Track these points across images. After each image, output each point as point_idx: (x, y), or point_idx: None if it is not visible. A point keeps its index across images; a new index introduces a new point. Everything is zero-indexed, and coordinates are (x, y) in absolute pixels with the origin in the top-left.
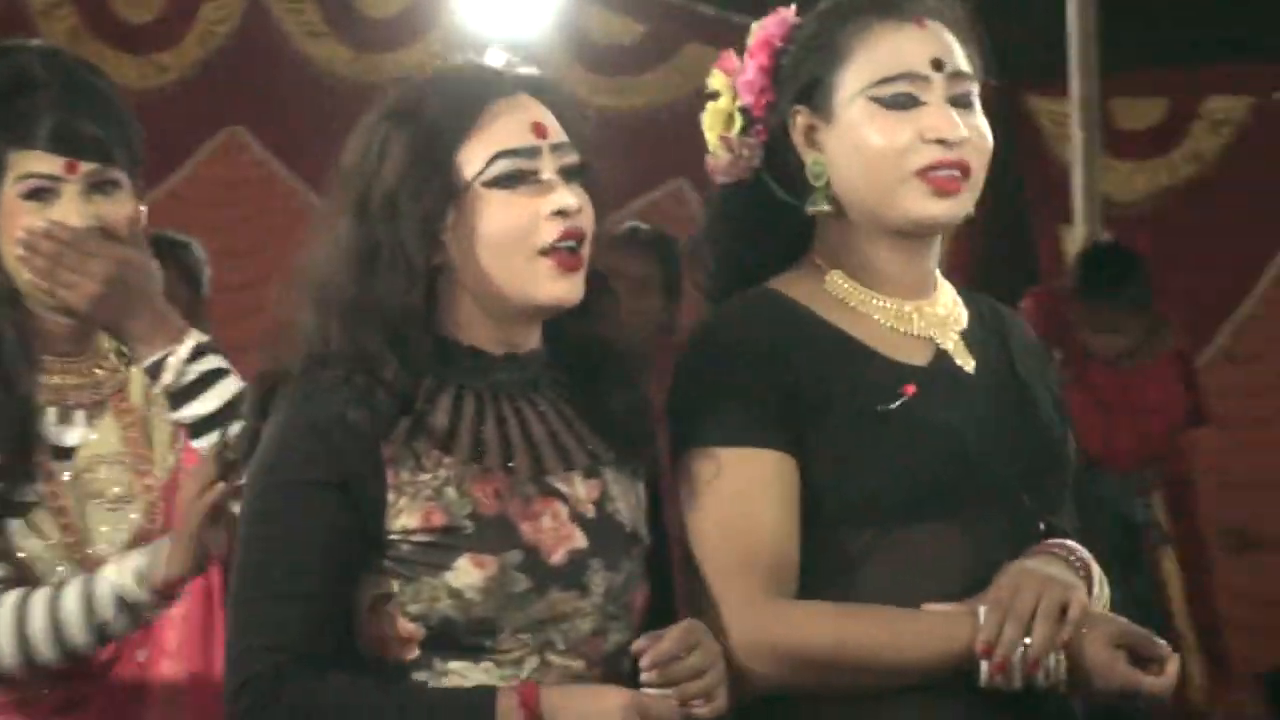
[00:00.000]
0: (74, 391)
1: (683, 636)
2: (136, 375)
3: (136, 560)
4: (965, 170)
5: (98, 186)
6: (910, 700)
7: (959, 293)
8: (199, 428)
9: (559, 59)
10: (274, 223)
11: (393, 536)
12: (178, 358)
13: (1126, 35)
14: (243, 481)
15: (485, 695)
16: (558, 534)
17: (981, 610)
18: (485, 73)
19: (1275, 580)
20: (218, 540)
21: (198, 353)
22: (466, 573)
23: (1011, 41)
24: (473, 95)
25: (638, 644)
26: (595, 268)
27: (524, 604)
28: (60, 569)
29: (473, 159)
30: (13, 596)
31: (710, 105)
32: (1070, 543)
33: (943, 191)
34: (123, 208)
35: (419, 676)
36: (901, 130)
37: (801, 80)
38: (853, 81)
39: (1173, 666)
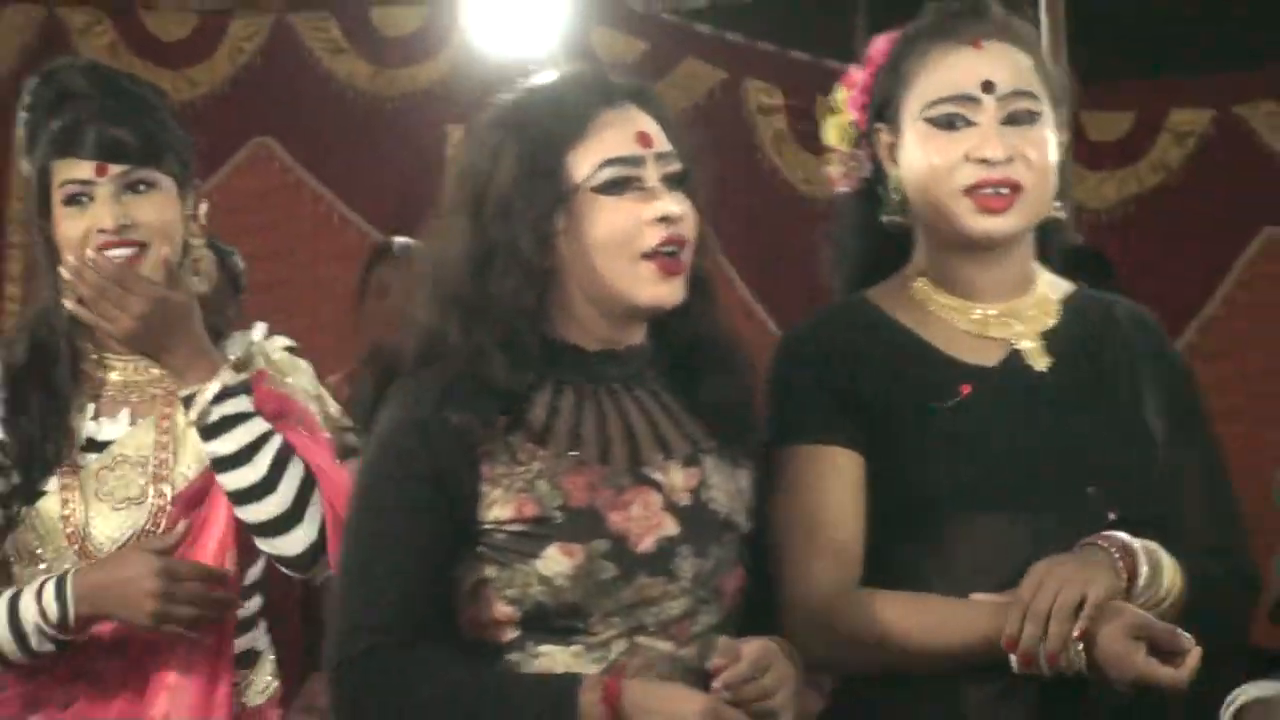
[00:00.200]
0: (128, 389)
1: (757, 659)
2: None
3: (51, 590)
4: (1014, 187)
5: (130, 187)
6: (966, 681)
7: (1075, 293)
8: (217, 465)
9: None
10: (300, 228)
11: (487, 526)
12: (204, 397)
13: (1095, 52)
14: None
15: (570, 684)
16: (647, 522)
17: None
18: (594, 83)
19: None
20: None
21: (224, 394)
22: (555, 560)
23: None
24: (582, 105)
25: (715, 661)
26: (696, 269)
27: (612, 590)
28: (69, 559)
29: (581, 165)
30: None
31: (830, 118)
32: (1119, 535)
33: (988, 209)
34: (156, 206)
35: (513, 658)
36: (951, 150)
37: (880, 99)
38: (914, 102)
39: (1192, 659)
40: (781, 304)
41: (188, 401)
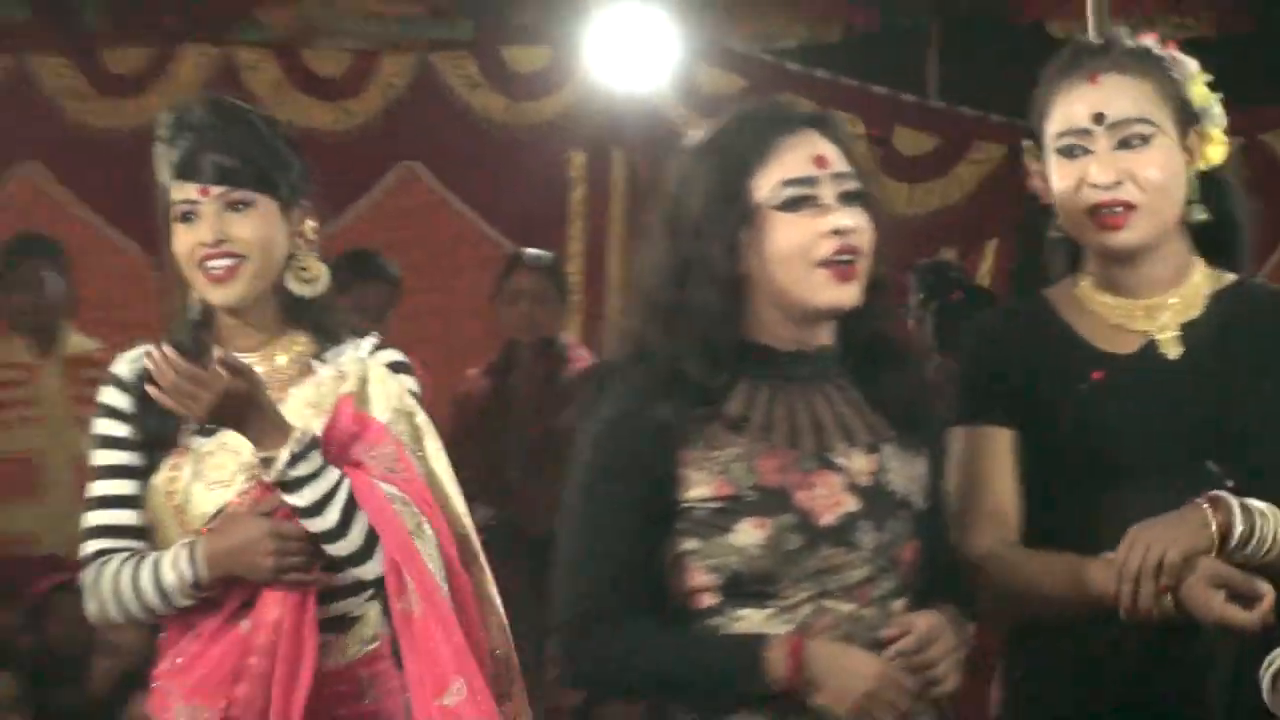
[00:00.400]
0: None
1: (927, 632)
2: (326, 372)
3: (184, 557)
4: (1127, 205)
5: (231, 206)
6: (1099, 625)
7: (1229, 286)
8: (297, 513)
9: (672, 106)
10: (442, 241)
11: (687, 505)
12: (279, 464)
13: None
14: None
15: (758, 643)
16: (829, 500)
17: None
18: (776, 113)
19: None
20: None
21: (296, 458)
22: (747, 533)
23: None
24: (765, 132)
25: (889, 631)
26: (875, 275)
27: (798, 559)
28: (173, 528)
29: (763, 186)
30: (114, 562)
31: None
32: (1222, 494)
33: (1105, 227)
34: (253, 224)
35: (715, 621)
36: (1072, 177)
37: (1033, 131)
38: (1049, 134)
39: (1266, 603)
40: None
41: (266, 463)
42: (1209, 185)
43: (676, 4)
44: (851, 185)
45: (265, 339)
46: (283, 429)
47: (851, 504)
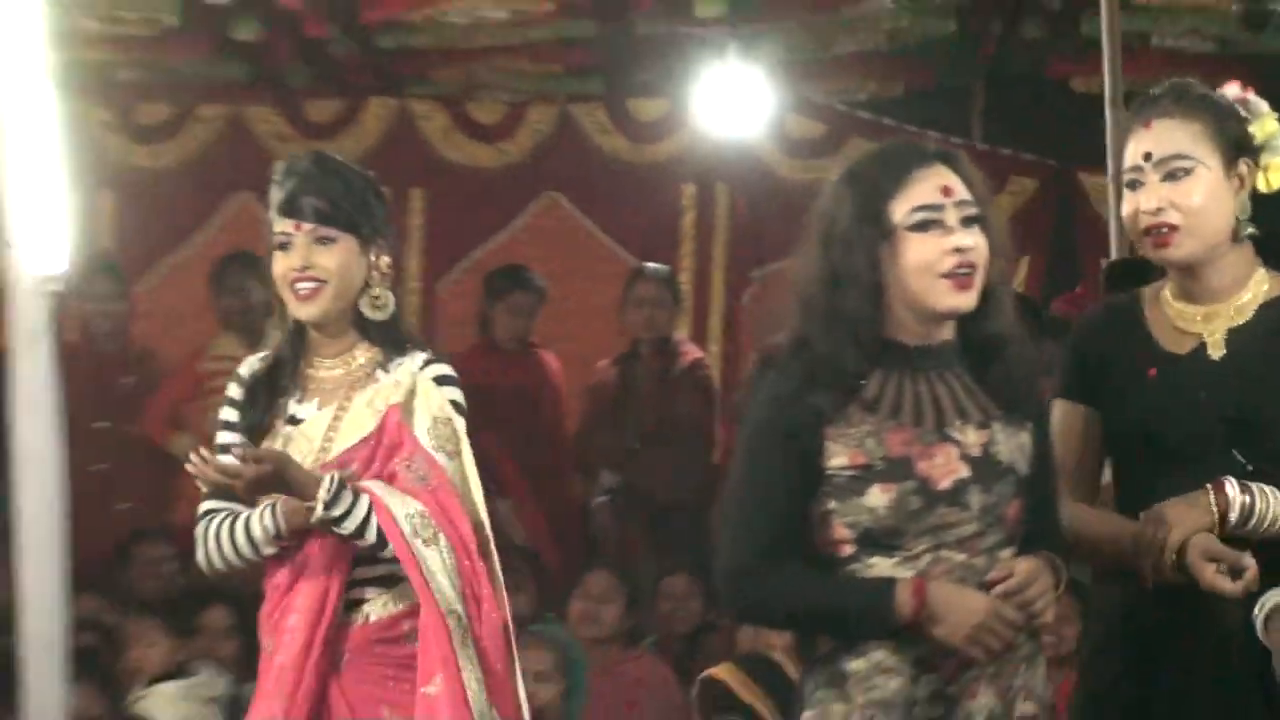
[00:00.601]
0: (323, 383)
1: (1027, 574)
2: (386, 379)
3: (268, 514)
4: (1170, 227)
5: (318, 240)
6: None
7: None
8: (344, 538)
9: (766, 147)
10: (577, 258)
11: (830, 472)
12: (319, 507)
13: None
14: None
15: (889, 584)
16: (946, 468)
17: None
18: (911, 149)
19: None
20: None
21: (332, 502)
22: (876, 496)
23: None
24: (901, 165)
25: (994, 574)
26: (989, 284)
27: (918, 518)
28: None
29: (899, 211)
30: (218, 519)
31: None
32: (1226, 481)
33: (1157, 245)
34: (334, 256)
35: (852, 567)
36: (1131, 205)
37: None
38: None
39: (1248, 576)
40: None
41: (311, 510)
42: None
43: (770, 64)
44: (971, 211)
45: (343, 348)
46: (315, 481)
47: (964, 471)
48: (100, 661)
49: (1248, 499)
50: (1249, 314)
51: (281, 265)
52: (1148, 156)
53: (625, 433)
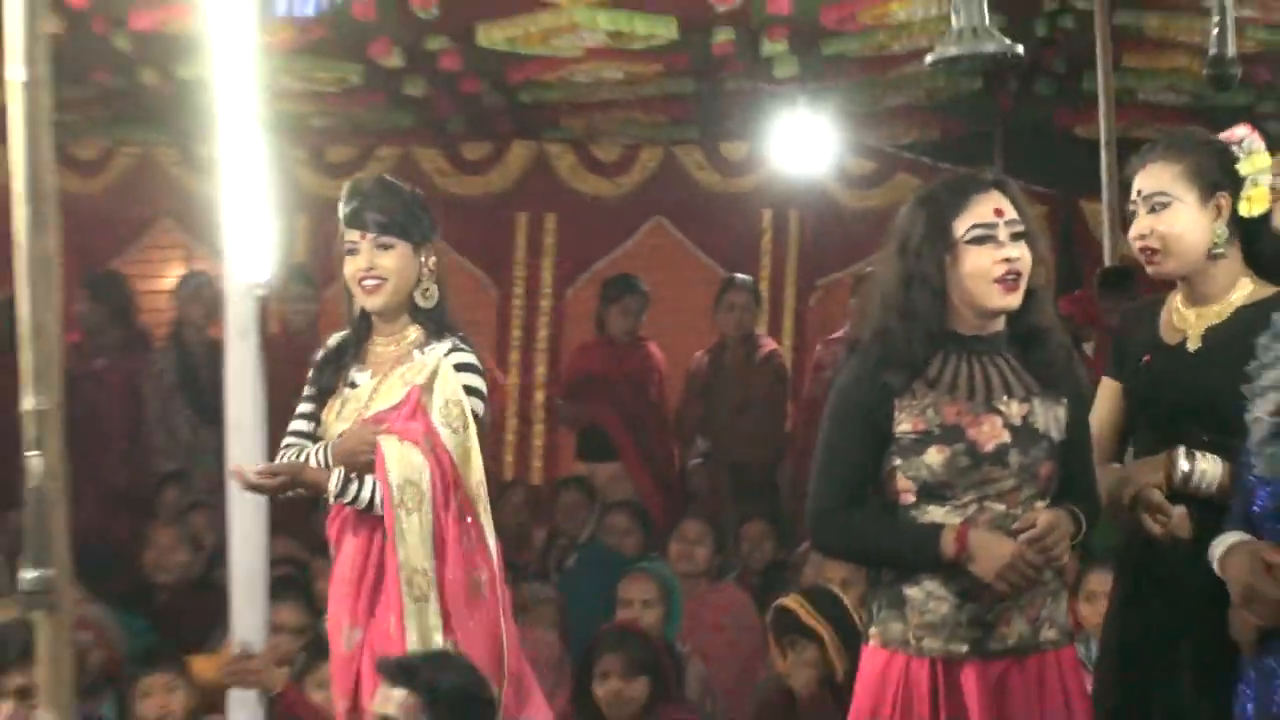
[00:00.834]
0: (377, 355)
1: (1048, 524)
2: (419, 359)
3: (322, 451)
4: (1153, 250)
5: (379, 246)
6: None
7: (1260, 301)
8: (359, 510)
9: (829, 181)
10: (678, 273)
11: (896, 435)
12: (332, 494)
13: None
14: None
15: (937, 529)
16: (991, 433)
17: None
18: (971, 178)
19: None
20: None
21: (339, 495)
22: (933, 456)
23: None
24: (964, 191)
25: (1019, 523)
26: (1031, 286)
27: (967, 475)
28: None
29: (960, 228)
30: (291, 451)
31: None
32: (1177, 451)
33: (1147, 262)
34: (393, 259)
35: (912, 514)
36: (1131, 232)
37: None
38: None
39: (1175, 521)
40: None
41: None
42: (1254, 224)
43: (832, 115)
44: (1018, 228)
45: (397, 330)
46: (327, 476)
47: (1005, 437)
48: (297, 583)
49: (1188, 465)
50: (1227, 315)
51: (351, 266)
52: (1139, 192)
53: (715, 409)
